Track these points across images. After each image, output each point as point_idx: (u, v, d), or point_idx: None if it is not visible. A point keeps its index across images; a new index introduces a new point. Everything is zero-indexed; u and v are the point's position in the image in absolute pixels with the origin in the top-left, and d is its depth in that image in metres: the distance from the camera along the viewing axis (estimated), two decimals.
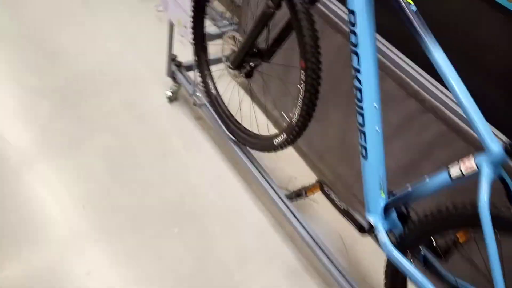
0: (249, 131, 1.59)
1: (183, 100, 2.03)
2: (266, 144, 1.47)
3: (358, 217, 1.15)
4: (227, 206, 1.70)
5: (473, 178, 0.90)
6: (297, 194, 1.27)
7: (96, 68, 2.10)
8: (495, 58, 1.19)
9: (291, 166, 1.85)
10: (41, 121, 1.82)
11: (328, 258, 1.40)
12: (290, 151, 1.86)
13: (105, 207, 1.60)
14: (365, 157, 1.10)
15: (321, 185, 1.21)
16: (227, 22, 2.09)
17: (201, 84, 1.75)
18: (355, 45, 1.03)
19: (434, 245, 1.08)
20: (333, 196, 1.21)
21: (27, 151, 1.71)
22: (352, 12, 1.01)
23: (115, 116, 1.90)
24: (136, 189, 1.68)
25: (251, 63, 1.39)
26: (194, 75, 1.76)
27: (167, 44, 1.85)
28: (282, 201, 1.50)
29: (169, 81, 2.00)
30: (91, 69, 2.08)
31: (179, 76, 1.91)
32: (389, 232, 1.14)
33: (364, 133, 1.08)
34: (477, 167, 0.88)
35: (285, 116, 1.38)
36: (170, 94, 1.98)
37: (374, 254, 1.62)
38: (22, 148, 1.72)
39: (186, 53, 1.87)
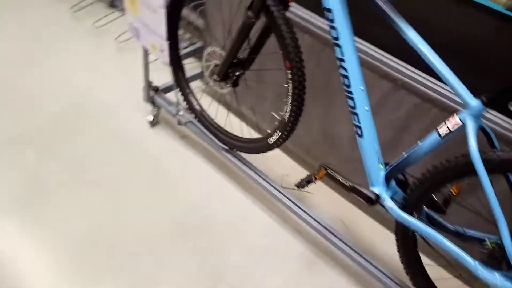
0: (241, 137, 1.69)
1: (164, 122, 2.09)
2: (261, 145, 1.57)
3: (364, 191, 1.27)
4: (230, 214, 1.77)
5: (459, 132, 1.06)
6: (307, 181, 1.37)
7: (69, 107, 2.10)
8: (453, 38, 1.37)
9: (280, 165, 1.95)
10: (28, 168, 1.82)
11: (339, 238, 1.51)
12: (275, 152, 1.94)
13: (113, 239, 1.62)
14: (361, 135, 1.23)
15: (325, 168, 1.33)
16: (186, 44, 2.20)
17: (184, 102, 1.83)
18: (337, 38, 1.16)
19: (435, 202, 1.23)
20: (337, 176, 1.32)
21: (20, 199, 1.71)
22: (329, 10, 1.15)
23: (103, 150, 1.93)
24: (140, 215, 1.71)
25: (236, 73, 1.49)
26: (176, 95, 1.84)
27: (143, 70, 1.91)
28: (285, 196, 1.61)
29: (147, 106, 2.06)
30: (65, 109, 2.09)
31: (158, 100, 1.97)
32: (392, 199, 1.27)
33: (356, 114, 1.22)
34: (462, 122, 1.03)
35: (275, 115, 1.49)
36: (152, 118, 2.03)
37: (374, 232, 1.76)
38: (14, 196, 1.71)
39: (159, 76, 1.96)
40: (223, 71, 1.49)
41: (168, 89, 2.01)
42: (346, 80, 1.19)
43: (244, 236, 1.71)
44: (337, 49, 1.17)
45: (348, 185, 1.30)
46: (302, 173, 1.84)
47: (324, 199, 1.85)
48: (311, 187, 1.58)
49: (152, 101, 2.00)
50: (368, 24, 1.28)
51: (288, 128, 1.44)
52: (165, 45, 1.65)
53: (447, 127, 1.07)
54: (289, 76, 1.33)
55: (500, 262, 1.12)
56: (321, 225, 1.56)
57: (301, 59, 1.31)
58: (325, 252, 1.68)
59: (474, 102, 1.01)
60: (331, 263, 1.65)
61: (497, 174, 1.04)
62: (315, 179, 1.34)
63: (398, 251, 1.36)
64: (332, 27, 1.16)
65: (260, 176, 1.69)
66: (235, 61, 1.47)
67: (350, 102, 1.21)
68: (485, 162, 1.01)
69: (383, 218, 1.78)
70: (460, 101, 1.06)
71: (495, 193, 1.02)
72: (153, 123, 2.05)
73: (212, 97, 1.95)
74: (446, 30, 1.35)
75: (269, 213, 1.79)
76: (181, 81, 1.81)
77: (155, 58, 1.84)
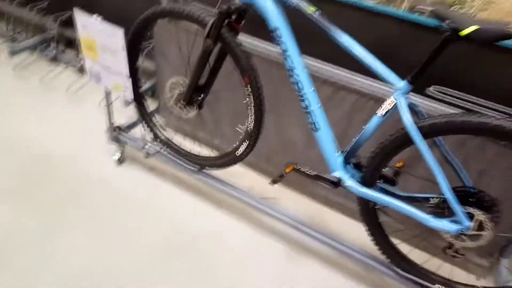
0: (210, 156, 1.85)
1: (129, 159, 2.19)
2: (231, 159, 1.75)
3: (327, 176, 1.49)
4: (210, 230, 1.90)
5: (394, 110, 1.32)
6: (280, 176, 1.56)
7: (35, 160, 2.14)
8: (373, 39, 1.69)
9: (244, 179, 2.12)
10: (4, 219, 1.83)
11: (314, 230, 1.71)
12: (237, 167, 2.13)
13: (105, 273, 1.67)
14: (317, 130, 1.46)
15: (292, 163, 1.53)
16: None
17: (150, 134, 1.97)
18: (286, 51, 1.41)
19: (386, 176, 1.47)
20: (303, 169, 1.53)
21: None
22: (276, 28, 1.39)
23: (76, 196, 1.97)
24: (126, 245, 1.78)
25: (200, 96, 1.68)
26: (141, 130, 1.97)
27: (106, 111, 2.03)
28: (259, 202, 1.79)
29: (110, 146, 2.16)
30: (30, 163, 2.12)
31: (123, 138, 2.08)
32: (351, 179, 1.50)
33: (310, 112, 1.45)
34: (395, 99, 1.30)
35: (239, 129, 1.69)
36: (118, 157, 2.13)
37: (341, 224, 1.98)
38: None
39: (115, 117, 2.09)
40: (188, 96, 1.67)
41: (130, 127, 2.14)
42: (297, 85, 1.43)
43: (227, 247, 1.84)
44: (287, 59, 1.42)
45: (313, 174, 1.51)
46: (265, 182, 2.06)
47: (289, 202, 2.05)
48: (274, 194, 1.79)
49: (116, 140, 2.10)
50: (307, 41, 1.54)
51: (254, 136, 1.64)
52: (128, 83, 1.80)
53: (386, 107, 1.33)
54: (249, 90, 1.55)
55: (445, 212, 1.37)
56: (296, 221, 1.74)
57: (257, 74, 1.53)
58: (302, 246, 1.86)
59: (401, 83, 1.28)
60: (310, 254, 1.83)
61: (428, 139, 1.31)
62: (286, 173, 1.53)
63: (363, 225, 1.58)
64: (281, 42, 1.40)
65: (233, 189, 1.85)
66: (198, 85, 1.65)
67: (303, 104, 1.44)
68: (418, 129, 1.27)
69: (347, 210, 2.00)
70: (390, 90, 1.33)
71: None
72: (120, 161, 2.15)
73: (174, 128, 2.11)
74: (369, 34, 1.66)
75: (245, 222, 1.95)
76: (145, 114, 1.96)
77: (114, 99, 1.97)
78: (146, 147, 2.01)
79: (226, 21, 1.47)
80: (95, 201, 1.95)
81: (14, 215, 1.85)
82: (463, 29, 1.11)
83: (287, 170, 1.52)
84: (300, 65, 1.42)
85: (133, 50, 1.77)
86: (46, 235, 1.78)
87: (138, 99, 1.92)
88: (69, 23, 2.88)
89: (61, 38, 2.97)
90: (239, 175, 2.11)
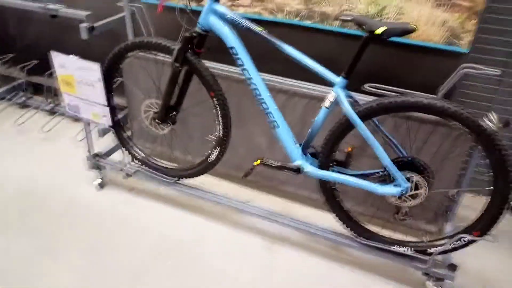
0: (186, 167, 2.08)
1: (110, 182, 2.37)
2: (205, 166, 1.99)
3: (290, 165, 1.76)
4: (193, 235, 2.09)
5: (336, 102, 1.62)
6: (250, 169, 1.81)
7: (19, 195, 2.27)
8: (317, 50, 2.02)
9: (218, 188, 2.32)
10: None
11: (288, 219, 1.96)
12: (210, 179, 2.37)
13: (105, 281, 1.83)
14: (278, 126, 1.74)
15: (260, 158, 1.79)
16: None
17: (129, 155, 2.17)
18: (242, 65, 1.69)
19: (339, 160, 1.76)
20: (269, 161, 1.79)
21: None
22: (232, 47, 1.68)
23: (64, 225, 2.12)
24: (119, 258, 1.95)
25: (172, 113, 1.92)
26: (120, 154, 2.18)
27: (86, 140, 2.22)
28: (235, 202, 2.02)
29: (90, 173, 2.34)
30: (15, 198, 2.25)
31: (102, 163, 2.27)
32: (310, 166, 1.77)
33: (270, 113, 1.73)
34: (335, 93, 1.61)
35: (209, 137, 1.94)
36: (100, 181, 2.31)
37: (310, 214, 2.23)
38: None
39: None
40: (162, 115, 1.91)
41: (108, 154, 2.34)
42: (257, 91, 1.71)
43: (209, 246, 2.04)
44: (245, 72, 1.70)
45: (278, 165, 1.78)
46: (238, 189, 2.31)
47: (261, 202, 2.28)
48: (247, 197, 2.04)
49: (97, 167, 2.29)
50: (263, 62, 1.84)
51: (224, 142, 1.89)
52: (106, 110, 2.02)
53: (329, 101, 1.63)
54: (215, 101, 1.82)
55: (388, 180, 1.67)
56: (269, 213, 1.98)
57: (220, 87, 1.81)
58: (276, 237, 2.09)
59: (338, 79, 1.59)
60: (284, 243, 2.07)
61: (366, 121, 1.61)
62: (254, 166, 1.79)
63: (325, 203, 1.84)
64: (238, 58, 1.69)
65: (211, 195, 2.08)
66: (170, 104, 1.90)
67: (264, 106, 1.73)
68: (357, 113, 1.58)
69: (312, 202, 2.26)
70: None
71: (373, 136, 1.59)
72: (102, 186, 2.32)
73: (149, 151, 2.32)
74: (310, 46, 1.99)
75: (223, 224, 2.16)
76: (123, 138, 2.17)
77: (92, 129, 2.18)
78: (125, 168, 2.21)
79: (189, 46, 1.75)
80: (83, 224, 2.11)
81: (7, 242, 1.98)
82: (376, 29, 1.44)
83: (256, 163, 1.78)
84: (256, 74, 1.71)
85: (108, 81, 2.00)
86: (39, 257, 1.92)
87: (116, 124, 2.13)
88: (35, 71, 3.07)
89: (29, 85, 3.14)
90: (213, 185, 2.33)
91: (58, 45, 2.96)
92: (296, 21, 2.15)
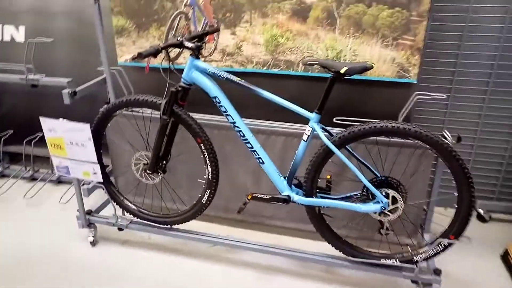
0: (179, 212, 2.18)
1: (102, 238, 2.41)
2: (199, 207, 2.10)
3: (279, 196, 1.92)
4: (190, 278, 2.16)
5: (313, 135, 1.83)
6: (244, 204, 1.94)
7: (13, 261, 2.26)
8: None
9: (209, 231, 2.44)
10: None
11: (280, 248, 2.08)
12: (200, 224, 2.46)
13: None
14: (263, 163, 1.91)
15: (251, 194, 1.94)
16: None
17: (121, 209, 2.25)
18: (226, 111, 1.88)
19: (321, 188, 1.94)
20: (260, 195, 1.94)
21: None
22: (215, 97, 1.88)
23: (59, 281, 2.13)
24: None
25: (162, 163, 2.05)
26: (114, 207, 2.25)
27: (77, 199, 2.28)
28: (229, 239, 2.14)
29: (81, 232, 2.38)
30: (9, 264, 2.24)
31: (95, 220, 2.32)
32: (297, 195, 1.94)
33: (255, 151, 1.90)
34: (311, 127, 1.81)
35: (201, 181, 2.08)
36: (92, 239, 2.35)
37: (297, 241, 2.36)
38: None
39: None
40: (153, 165, 2.04)
41: (98, 210, 2.40)
42: (241, 133, 1.90)
43: (209, 285, 2.11)
44: (228, 117, 1.89)
45: (268, 197, 1.93)
46: (228, 230, 2.42)
47: (252, 238, 2.40)
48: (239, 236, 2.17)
49: (88, 224, 2.34)
50: (243, 110, 2.04)
51: (213, 184, 2.03)
52: (97, 168, 2.12)
53: (306, 135, 1.83)
54: (203, 147, 1.97)
55: (369, 198, 1.86)
56: (262, 246, 2.10)
57: (206, 133, 1.97)
58: (270, 268, 2.21)
59: (312, 114, 1.81)
60: (278, 272, 2.18)
61: (341, 148, 1.82)
62: (248, 200, 1.93)
63: (315, 229, 1.99)
64: (221, 106, 1.88)
65: (205, 235, 2.18)
66: (160, 154, 2.03)
67: (249, 145, 1.90)
68: (333, 143, 1.78)
69: (301, 233, 2.40)
70: (304, 127, 1.85)
71: (351, 161, 1.79)
72: (95, 242, 2.36)
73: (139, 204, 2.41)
74: (282, 90, 2.22)
75: (218, 263, 2.25)
76: (113, 193, 2.26)
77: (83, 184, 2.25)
78: (117, 222, 2.27)
79: (175, 100, 1.92)
80: (81, 284, 2.12)
81: None
82: (340, 69, 1.69)
83: (249, 197, 1.93)
84: (238, 118, 1.89)
85: (97, 139, 2.11)
86: None
87: (106, 179, 2.22)
88: (11, 141, 3.12)
89: (5, 156, 3.17)
90: (204, 229, 2.42)
91: (34, 113, 3.07)
92: (264, 70, 2.40)
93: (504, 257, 2.27)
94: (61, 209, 2.70)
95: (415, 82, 2.23)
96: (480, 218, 2.60)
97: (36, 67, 2.48)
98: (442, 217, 1.98)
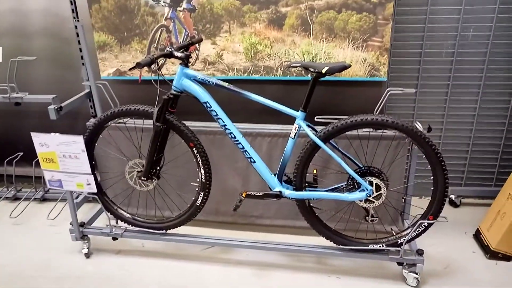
0: (174, 216, 2.25)
1: (95, 249, 2.43)
2: (193, 210, 2.18)
3: (271, 192, 2.03)
4: (189, 280, 2.22)
5: (300, 132, 1.96)
6: (239, 201, 2.04)
7: (7, 279, 2.24)
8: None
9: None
10: None
11: (273, 243, 2.19)
12: (192, 229, 2.53)
13: None
14: (254, 161, 2.03)
15: (245, 191, 2.05)
16: None
17: (114, 218, 2.30)
18: (217, 115, 1.99)
19: (309, 182, 2.07)
20: (253, 193, 2.05)
21: None
22: (206, 102, 1.98)
23: None
24: None
25: (156, 169, 2.12)
26: (108, 216, 2.29)
27: (71, 213, 2.30)
28: (225, 239, 2.22)
29: (73, 244, 2.40)
30: (4, 282, 2.23)
31: (89, 231, 2.35)
32: (288, 190, 2.06)
33: (246, 151, 2.02)
34: (298, 125, 1.95)
35: (194, 184, 2.16)
36: (86, 251, 2.37)
37: (286, 238, 2.48)
38: None
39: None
40: (147, 172, 2.11)
41: (90, 222, 2.43)
42: (232, 135, 2.01)
43: (209, 287, 2.18)
44: (219, 120, 2.00)
45: (261, 194, 2.05)
46: (219, 232, 2.50)
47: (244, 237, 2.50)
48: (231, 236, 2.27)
49: (82, 236, 2.36)
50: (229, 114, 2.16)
51: (207, 186, 2.12)
52: (91, 178, 2.16)
53: (293, 132, 1.97)
54: (195, 151, 2.07)
55: (354, 187, 2.00)
56: (256, 242, 2.21)
57: (197, 138, 2.07)
58: (265, 264, 2.30)
59: (298, 112, 1.95)
60: (273, 268, 2.28)
61: (327, 142, 1.96)
62: (243, 198, 2.03)
63: (306, 221, 2.12)
64: (212, 110, 1.99)
65: (200, 237, 2.26)
66: (154, 159, 2.10)
67: (240, 146, 2.01)
68: (319, 138, 1.92)
69: (289, 229, 2.52)
70: (289, 128, 1.99)
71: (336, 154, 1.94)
72: (89, 254, 2.38)
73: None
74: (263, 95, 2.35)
75: (214, 264, 2.33)
76: (107, 202, 2.30)
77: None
78: (113, 230, 2.31)
79: (166, 107, 2.01)
80: None
81: None
82: (321, 69, 1.84)
83: (243, 194, 2.03)
84: (228, 121, 2.01)
85: (90, 150, 2.16)
86: None
87: (100, 190, 2.27)
88: None
89: None
90: (196, 233, 2.50)
91: (13, 133, 3.07)
92: (245, 76, 2.53)
93: (477, 236, 2.47)
94: (49, 225, 2.69)
95: (385, 80, 2.43)
96: (452, 203, 2.81)
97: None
98: (419, 205, 2.16)
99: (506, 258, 2.28)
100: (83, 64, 2.52)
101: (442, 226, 2.39)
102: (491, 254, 2.29)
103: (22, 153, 3.03)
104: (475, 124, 2.66)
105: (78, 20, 2.42)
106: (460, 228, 2.57)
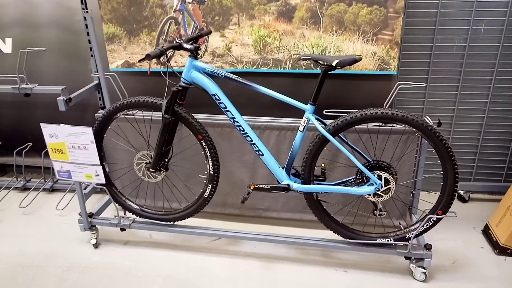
0: (182, 208, 2.26)
1: (103, 240, 2.45)
2: (201, 202, 2.19)
3: (280, 185, 2.03)
4: (197, 271, 2.23)
5: (308, 125, 1.96)
6: (247, 194, 2.04)
7: (15, 269, 2.26)
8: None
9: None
10: None
11: (280, 236, 2.19)
12: (199, 220, 2.53)
13: None
14: (262, 154, 2.02)
15: (253, 184, 2.05)
16: None
17: (123, 209, 2.31)
18: (225, 107, 1.99)
19: (317, 176, 2.07)
20: (261, 185, 2.05)
21: None
22: (214, 94, 1.98)
23: (65, 285, 2.17)
24: None
25: (164, 161, 2.13)
26: (116, 207, 2.31)
27: (80, 202, 2.31)
28: (232, 231, 2.23)
29: (83, 235, 2.42)
30: (12, 273, 2.24)
31: (97, 222, 2.37)
32: (296, 183, 2.06)
33: (254, 144, 2.01)
34: (307, 118, 1.94)
35: (202, 176, 2.17)
36: (95, 241, 2.39)
37: (292, 231, 2.48)
38: None
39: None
40: (156, 163, 2.11)
41: (98, 213, 2.45)
42: (240, 127, 2.00)
43: (215, 277, 2.19)
44: (228, 113, 1.99)
45: (269, 187, 2.04)
46: (226, 225, 2.51)
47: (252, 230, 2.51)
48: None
49: (90, 227, 2.38)
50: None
51: (215, 179, 2.13)
52: (99, 170, 2.17)
53: (302, 125, 1.96)
54: (204, 143, 2.07)
55: (363, 181, 2.00)
56: (264, 235, 2.21)
57: (206, 130, 2.07)
58: (272, 256, 2.31)
59: (307, 106, 1.94)
60: (280, 260, 2.29)
61: (336, 136, 1.95)
62: (251, 190, 2.03)
63: (314, 215, 2.12)
64: (221, 102, 1.98)
65: (208, 229, 2.27)
66: (163, 151, 2.11)
67: (248, 139, 2.01)
68: (328, 131, 1.91)
69: (295, 222, 2.52)
70: (296, 121, 1.98)
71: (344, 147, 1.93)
72: (97, 244, 2.40)
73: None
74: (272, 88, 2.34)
75: (221, 256, 2.34)
76: (115, 193, 2.31)
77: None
78: (120, 223, 2.33)
79: (175, 99, 2.01)
80: (87, 283, 2.16)
81: None
82: (331, 62, 1.82)
83: (251, 187, 2.03)
84: (237, 113, 2.00)
85: (99, 142, 2.17)
86: None
87: (108, 181, 2.28)
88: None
89: None
90: (203, 225, 2.51)
91: (21, 123, 3.09)
92: (254, 69, 2.52)
93: (485, 231, 2.46)
94: (58, 215, 2.72)
95: (395, 73, 2.41)
96: (460, 198, 2.80)
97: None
98: (427, 200, 2.15)
99: None
100: (92, 55, 2.52)
101: (451, 221, 2.36)
102: (500, 249, 2.28)
103: (31, 144, 3.05)
104: (485, 119, 2.63)
105: (87, 12, 2.41)
106: (469, 223, 2.55)
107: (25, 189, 3.02)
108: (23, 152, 3.00)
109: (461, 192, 2.78)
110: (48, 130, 2.13)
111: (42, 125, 2.12)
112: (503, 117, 2.62)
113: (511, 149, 2.68)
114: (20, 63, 2.48)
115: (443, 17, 2.44)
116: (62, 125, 2.10)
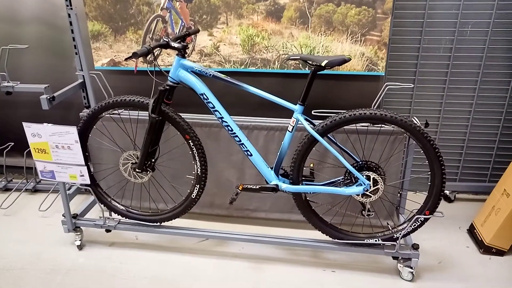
0: (169, 208, 2.23)
1: (88, 242, 2.40)
2: (188, 202, 2.16)
3: (268, 186, 2.02)
4: (184, 272, 2.20)
5: (297, 125, 1.95)
6: (235, 194, 2.02)
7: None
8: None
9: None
10: None
11: (269, 237, 2.17)
12: (187, 221, 2.51)
13: None
14: (251, 155, 2.01)
15: (242, 185, 2.03)
16: None
17: (108, 210, 2.27)
18: (214, 107, 1.96)
19: (306, 176, 2.06)
20: (249, 186, 2.03)
21: None
22: (202, 94, 1.95)
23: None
24: None
25: (150, 161, 2.09)
26: (101, 208, 2.26)
27: (64, 203, 2.26)
28: (221, 232, 2.20)
29: (66, 236, 2.37)
30: None
31: (82, 223, 2.32)
32: (284, 183, 2.05)
33: (243, 144, 1.99)
34: (296, 118, 1.93)
35: (189, 176, 2.14)
36: (79, 243, 2.34)
37: (281, 231, 2.47)
38: None
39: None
40: (142, 164, 2.08)
41: (82, 214, 2.40)
42: (228, 127, 1.98)
43: (203, 277, 2.16)
44: (216, 113, 1.97)
45: (258, 187, 2.03)
46: (213, 225, 2.48)
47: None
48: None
49: (75, 228, 2.32)
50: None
51: (203, 179, 2.10)
52: (84, 170, 2.13)
53: (291, 125, 1.95)
54: (191, 143, 2.04)
55: (352, 181, 1.99)
56: (252, 236, 2.19)
57: (193, 130, 2.04)
58: (260, 257, 2.29)
59: (296, 106, 1.92)
60: (268, 261, 2.27)
61: (324, 136, 1.95)
62: (240, 191, 2.01)
63: (302, 215, 2.11)
64: (209, 102, 1.96)
65: (196, 230, 2.24)
66: (149, 151, 2.07)
67: (237, 139, 1.99)
68: (316, 131, 1.91)
69: (284, 223, 2.51)
70: (284, 122, 1.97)
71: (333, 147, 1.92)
72: (81, 246, 2.35)
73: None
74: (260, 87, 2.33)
75: (209, 257, 2.31)
76: (100, 194, 2.27)
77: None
78: (107, 222, 2.28)
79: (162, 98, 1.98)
80: (72, 285, 2.11)
81: None
82: (321, 62, 1.82)
83: (240, 188, 2.01)
84: (225, 113, 1.98)
85: (83, 141, 2.13)
86: None
87: (93, 181, 2.23)
88: None
89: None
90: (191, 226, 2.48)
91: (2, 123, 3.01)
92: (242, 69, 2.50)
93: (471, 230, 2.49)
94: (41, 217, 2.65)
95: (383, 74, 2.41)
96: (446, 198, 2.82)
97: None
98: (414, 200, 2.16)
99: (499, 253, 2.29)
100: (76, 53, 2.47)
101: (437, 221, 2.40)
102: (485, 249, 2.31)
103: (13, 143, 2.98)
104: (471, 120, 2.66)
105: (71, 8, 2.36)
106: (455, 223, 2.58)
107: (6, 189, 2.94)
108: (5, 152, 2.93)
109: (447, 192, 2.80)
110: (31, 130, 2.08)
111: (25, 124, 2.07)
112: (488, 118, 2.65)
113: (495, 150, 2.72)
114: (1, 60, 2.42)
115: (430, 19, 2.46)
116: (45, 124, 2.05)
